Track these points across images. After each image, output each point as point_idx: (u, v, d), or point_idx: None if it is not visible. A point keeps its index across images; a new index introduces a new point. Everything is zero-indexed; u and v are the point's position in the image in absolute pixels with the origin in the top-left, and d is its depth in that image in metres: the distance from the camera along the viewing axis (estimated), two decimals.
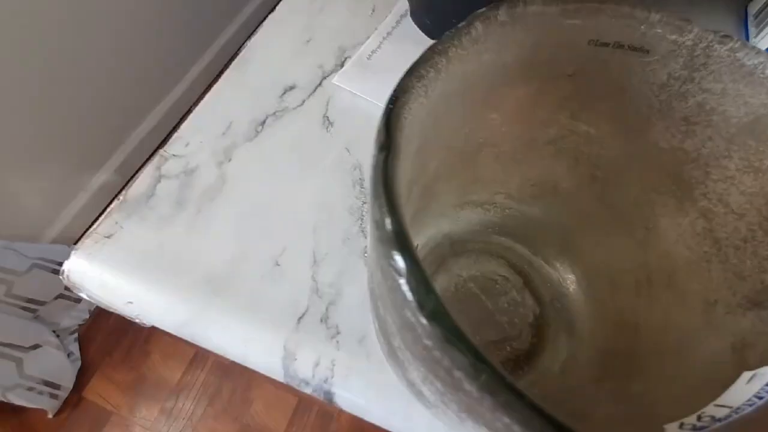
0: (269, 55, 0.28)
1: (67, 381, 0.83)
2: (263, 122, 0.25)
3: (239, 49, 0.28)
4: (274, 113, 0.26)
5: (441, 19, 0.28)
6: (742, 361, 0.12)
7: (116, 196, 1.06)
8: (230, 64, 0.28)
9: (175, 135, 0.25)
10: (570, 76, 0.14)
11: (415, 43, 0.29)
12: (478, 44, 0.12)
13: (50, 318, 0.87)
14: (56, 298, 0.86)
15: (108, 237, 0.21)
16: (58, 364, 0.82)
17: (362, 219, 0.22)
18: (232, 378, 0.92)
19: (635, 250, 0.17)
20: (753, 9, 0.32)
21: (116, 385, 0.89)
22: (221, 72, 1.05)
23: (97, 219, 1.03)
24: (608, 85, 0.14)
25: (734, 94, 0.12)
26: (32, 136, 0.83)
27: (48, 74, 0.81)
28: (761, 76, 0.12)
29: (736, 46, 0.12)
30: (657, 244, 0.16)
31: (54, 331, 0.85)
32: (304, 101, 0.26)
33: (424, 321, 0.07)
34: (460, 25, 0.11)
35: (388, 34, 0.29)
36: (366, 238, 0.22)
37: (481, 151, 0.17)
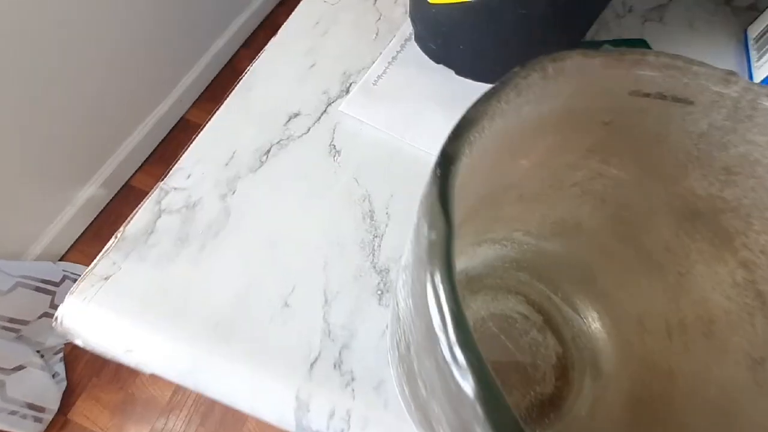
0: (273, 81, 0.27)
1: (52, 403, 0.80)
2: (268, 151, 0.24)
3: (242, 75, 0.28)
4: (279, 142, 0.25)
5: (446, 44, 0.28)
6: None
7: (103, 209, 1.03)
8: (233, 86, 0.27)
9: (176, 166, 0.23)
10: (606, 124, 0.14)
11: (420, 67, 0.29)
12: (520, 98, 0.11)
13: (34, 337, 0.84)
14: (41, 316, 0.83)
15: (105, 279, 0.20)
16: (42, 385, 0.79)
17: (373, 254, 0.22)
18: None
19: (666, 293, 0.17)
20: (753, 33, 0.32)
21: (104, 406, 0.86)
22: (210, 85, 1.03)
23: (84, 233, 1.00)
24: (644, 133, 0.14)
25: None
26: (17, 149, 0.81)
27: (34, 87, 0.79)
28: None
29: None
30: (691, 290, 0.16)
31: (38, 351, 0.82)
32: (309, 129, 0.25)
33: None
34: (504, 80, 0.11)
35: (393, 58, 0.29)
36: (377, 274, 0.21)
37: (506, 193, 0.17)
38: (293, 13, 0.31)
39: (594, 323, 0.20)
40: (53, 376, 0.82)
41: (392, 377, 0.18)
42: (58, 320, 0.19)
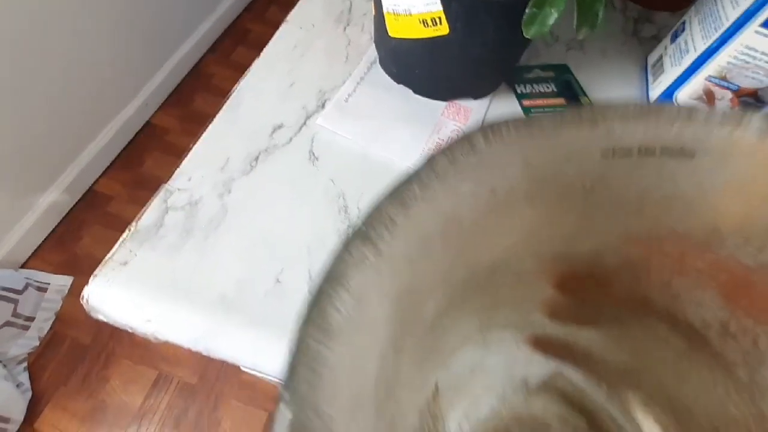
0: (258, 98, 0.32)
1: (17, 413, 0.78)
2: (257, 158, 0.29)
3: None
4: (266, 149, 0.29)
5: (404, 68, 0.34)
6: None
7: (66, 215, 1.01)
8: (224, 101, 0.32)
9: (178, 171, 0.28)
10: (587, 190, 0.12)
11: (384, 86, 0.34)
12: (447, 181, 0.10)
13: None
14: (3, 325, 0.81)
15: (124, 264, 0.24)
16: (6, 396, 0.77)
17: None
18: (198, 399, 0.90)
19: (739, 394, 0.13)
20: (651, 60, 0.40)
21: (72, 415, 0.84)
22: (176, 90, 1.05)
23: (46, 240, 0.98)
24: (646, 196, 0.11)
25: None
26: None
27: None
28: None
29: None
30: (767, 392, 0.12)
31: (0, 362, 0.80)
32: (291, 139, 0.30)
33: None
34: (417, 169, 0.10)
35: (362, 78, 0.34)
36: None
37: (495, 274, 0.14)
38: (273, 37, 0.35)
39: (653, 427, 0.15)
40: (18, 386, 0.80)
41: None
42: (84, 299, 0.23)
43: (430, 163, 0.10)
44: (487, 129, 0.10)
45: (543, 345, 0.17)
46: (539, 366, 0.17)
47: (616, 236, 0.13)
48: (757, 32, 0.29)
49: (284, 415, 0.07)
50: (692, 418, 0.14)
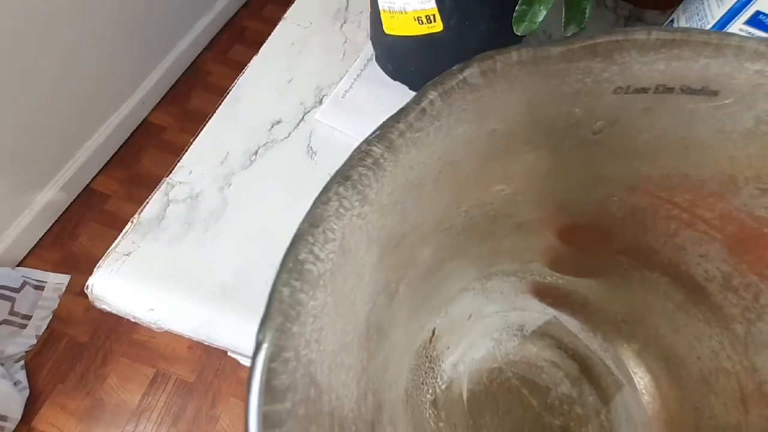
0: (257, 94, 0.32)
1: (15, 412, 0.78)
2: (256, 152, 0.30)
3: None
4: (265, 144, 0.30)
5: (400, 65, 0.34)
6: None
7: (63, 213, 1.01)
8: (223, 97, 0.32)
9: (179, 164, 0.28)
10: (595, 134, 0.11)
11: (380, 83, 0.35)
12: (440, 120, 0.09)
13: None
14: (0, 324, 0.81)
15: (127, 255, 0.24)
16: (3, 394, 0.77)
17: None
18: (196, 396, 0.91)
19: (734, 347, 0.13)
20: None
21: (70, 413, 0.85)
22: (173, 87, 1.05)
23: (43, 238, 0.98)
24: (659, 139, 0.10)
25: None
26: None
27: None
28: None
29: None
30: (762, 347, 0.12)
31: None
32: (290, 133, 0.31)
33: None
34: (405, 106, 0.09)
35: (358, 75, 0.35)
36: None
37: (496, 223, 0.14)
38: (271, 34, 0.36)
39: (646, 378, 0.15)
40: (15, 384, 0.80)
41: None
42: (89, 288, 0.23)
43: (419, 100, 0.09)
44: (487, 61, 0.09)
45: (542, 293, 0.17)
46: (536, 314, 0.17)
47: (625, 185, 0.12)
48: (741, 30, 0.30)
49: (259, 360, 0.07)
50: (684, 368, 0.14)
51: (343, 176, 0.09)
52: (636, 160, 0.11)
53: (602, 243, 0.14)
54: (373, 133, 0.09)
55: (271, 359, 0.07)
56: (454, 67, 0.09)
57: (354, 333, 0.10)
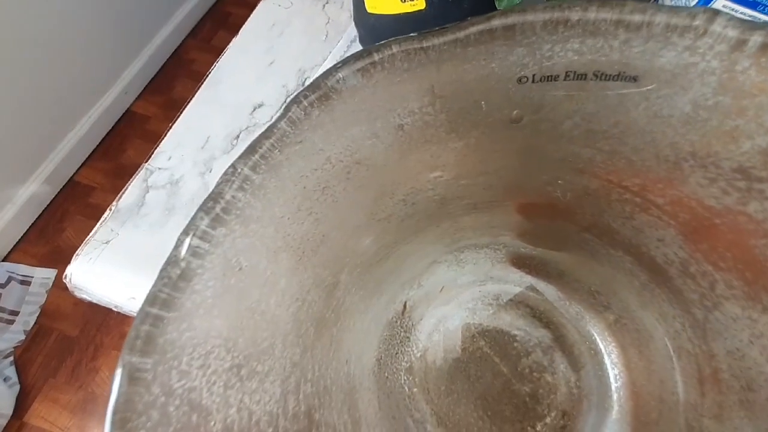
0: (237, 76, 0.31)
1: (6, 408, 0.78)
2: (237, 136, 0.29)
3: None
4: (247, 128, 0.29)
5: None
6: None
7: (48, 207, 0.99)
8: (202, 80, 0.31)
9: (157, 150, 0.27)
10: (514, 122, 0.10)
11: None
12: (324, 127, 0.09)
13: None
14: None
15: (106, 243, 0.24)
16: None
17: None
18: None
19: (694, 330, 0.13)
20: None
21: (63, 407, 0.84)
22: (156, 76, 1.03)
23: (27, 232, 0.96)
24: (590, 127, 0.10)
25: None
26: None
27: None
28: None
29: None
30: (723, 334, 0.12)
31: None
32: (272, 117, 0.30)
33: None
34: (275, 120, 0.08)
35: (342, 57, 0.34)
36: None
37: (446, 205, 0.14)
38: (251, 15, 0.35)
39: (616, 347, 0.15)
40: (4, 380, 0.80)
41: None
42: (68, 278, 0.23)
43: (285, 113, 0.08)
44: (363, 59, 0.08)
45: (519, 263, 0.17)
46: (513, 283, 0.17)
47: (571, 168, 0.12)
48: (724, 7, 0.30)
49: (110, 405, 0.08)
50: (652, 341, 0.14)
51: (205, 210, 0.09)
52: (573, 144, 0.11)
53: (564, 219, 0.14)
54: (242, 153, 0.09)
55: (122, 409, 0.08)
56: (328, 69, 0.09)
57: (273, 337, 0.10)
